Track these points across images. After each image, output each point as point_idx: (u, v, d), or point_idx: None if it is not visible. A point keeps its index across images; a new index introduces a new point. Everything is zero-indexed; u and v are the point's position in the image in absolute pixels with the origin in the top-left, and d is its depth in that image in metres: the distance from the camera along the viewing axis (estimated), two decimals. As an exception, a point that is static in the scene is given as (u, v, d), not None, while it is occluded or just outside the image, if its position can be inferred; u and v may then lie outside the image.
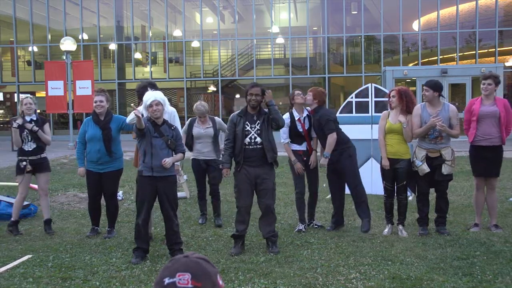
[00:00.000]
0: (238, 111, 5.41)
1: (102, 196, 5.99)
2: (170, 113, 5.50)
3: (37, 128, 5.94)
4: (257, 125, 5.20)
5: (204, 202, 6.64)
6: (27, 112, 6.03)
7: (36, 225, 6.45)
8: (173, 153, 5.03)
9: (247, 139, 5.18)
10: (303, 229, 5.95)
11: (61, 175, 10.86)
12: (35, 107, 6.13)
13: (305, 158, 6.04)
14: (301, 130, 6.01)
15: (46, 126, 6.10)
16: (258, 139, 5.17)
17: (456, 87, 20.36)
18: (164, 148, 4.91)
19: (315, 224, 6.21)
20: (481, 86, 5.84)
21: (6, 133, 21.81)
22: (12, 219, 6.08)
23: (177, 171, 5.88)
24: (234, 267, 4.66)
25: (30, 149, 5.96)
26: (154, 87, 5.54)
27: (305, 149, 6.05)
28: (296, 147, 6.04)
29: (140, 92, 5.49)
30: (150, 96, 4.96)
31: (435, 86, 5.74)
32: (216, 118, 6.69)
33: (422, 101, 5.90)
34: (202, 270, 1.32)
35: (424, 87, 5.83)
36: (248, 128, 5.20)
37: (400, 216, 5.80)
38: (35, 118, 6.04)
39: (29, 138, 5.97)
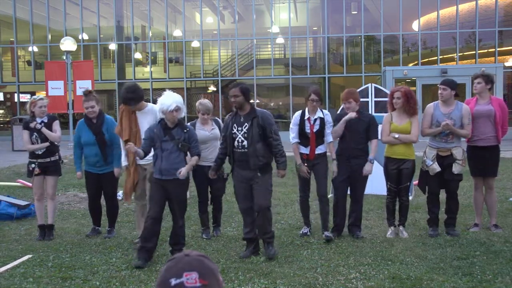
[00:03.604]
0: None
1: (102, 196, 6.00)
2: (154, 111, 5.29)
3: (40, 126, 5.78)
4: (244, 128, 4.96)
5: (206, 215, 6.00)
6: (39, 115, 5.85)
7: (36, 225, 6.43)
8: (185, 156, 4.97)
9: (235, 142, 5.00)
10: (308, 233, 5.79)
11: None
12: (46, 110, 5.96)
13: (305, 164, 5.60)
14: (308, 131, 5.60)
15: (55, 124, 5.91)
16: (245, 143, 4.94)
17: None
18: (175, 151, 4.82)
19: (326, 236, 5.52)
20: (472, 86, 5.89)
21: (6, 133, 21.82)
22: (38, 223, 5.92)
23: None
24: (234, 267, 4.66)
25: (39, 152, 5.84)
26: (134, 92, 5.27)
27: (307, 153, 5.59)
28: (302, 149, 5.64)
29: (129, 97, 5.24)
30: (171, 101, 4.79)
31: (452, 84, 5.66)
32: (219, 120, 6.19)
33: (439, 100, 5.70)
34: (206, 268, 1.32)
35: (441, 86, 5.64)
36: (235, 131, 5.01)
37: (402, 217, 5.77)
38: (46, 121, 5.87)
39: (39, 141, 5.83)
